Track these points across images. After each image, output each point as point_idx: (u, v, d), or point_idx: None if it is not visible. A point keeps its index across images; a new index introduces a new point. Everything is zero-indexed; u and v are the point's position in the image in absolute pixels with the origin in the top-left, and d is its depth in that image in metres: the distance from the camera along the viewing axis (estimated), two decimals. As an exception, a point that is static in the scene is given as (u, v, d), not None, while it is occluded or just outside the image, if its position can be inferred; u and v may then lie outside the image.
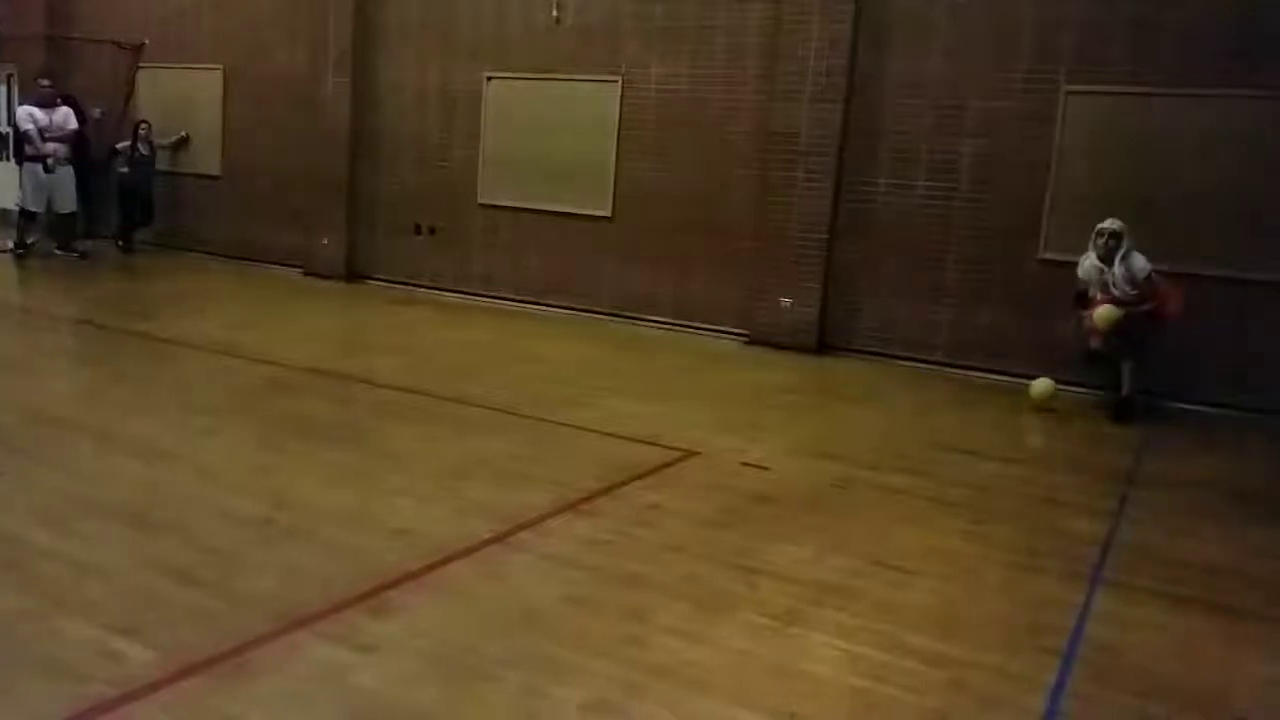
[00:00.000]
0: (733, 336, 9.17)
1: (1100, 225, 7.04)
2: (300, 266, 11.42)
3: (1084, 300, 7.17)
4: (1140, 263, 6.91)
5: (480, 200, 10.54)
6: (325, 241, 11.21)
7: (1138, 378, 7.05)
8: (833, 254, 8.78)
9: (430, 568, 3.46)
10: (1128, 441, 6.37)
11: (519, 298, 10.31)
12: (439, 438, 5.19)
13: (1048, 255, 7.97)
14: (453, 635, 2.99)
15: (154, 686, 2.58)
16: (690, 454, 5.18)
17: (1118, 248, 6.93)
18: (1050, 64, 7.90)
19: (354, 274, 11.25)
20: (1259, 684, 3.11)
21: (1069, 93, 7.88)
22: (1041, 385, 7.04)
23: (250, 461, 4.56)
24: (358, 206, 11.25)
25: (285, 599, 3.14)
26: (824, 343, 8.84)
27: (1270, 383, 7.25)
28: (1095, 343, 7.18)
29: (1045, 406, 6.95)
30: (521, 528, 3.89)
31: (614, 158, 9.74)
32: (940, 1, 8.26)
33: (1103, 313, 6.92)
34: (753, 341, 8.99)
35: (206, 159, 12.35)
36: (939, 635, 3.25)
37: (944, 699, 2.84)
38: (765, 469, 5.03)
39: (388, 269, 11.19)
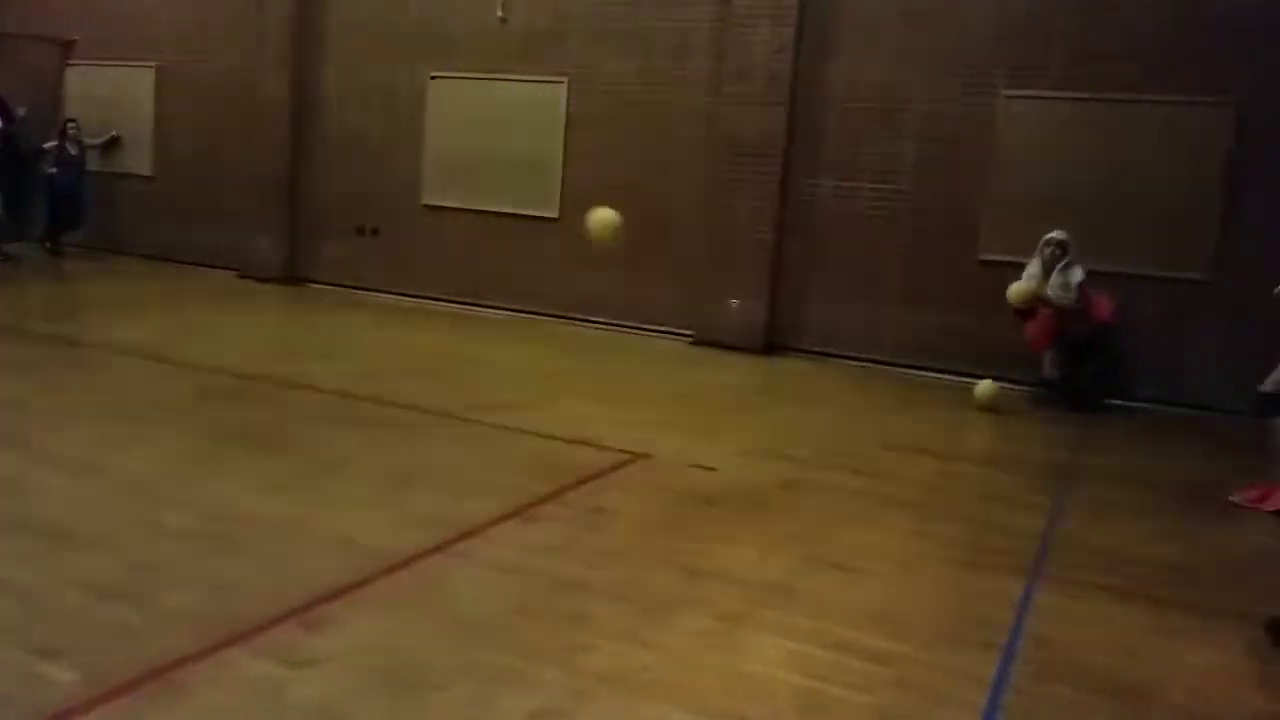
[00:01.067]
0: (680, 337, 9.17)
1: (1048, 235, 7.28)
2: (237, 269, 11.17)
3: (1023, 314, 7.37)
4: (1078, 274, 7.15)
5: (424, 201, 10.41)
6: (263, 244, 10.98)
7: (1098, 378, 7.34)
8: (779, 255, 8.83)
9: (370, 578, 3.38)
10: (1066, 438, 6.50)
11: (464, 300, 10.20)
12: (380, 443, 5.10)
13: (987, 256, 8.10)
14: (394, 647, 2.93)
15: (80, 709, 2.47)
16: (637, 456, 5.15)
17: (1062, 256, 7.19)
18: (990, 70, 8.04)
19: (293, 277, 11.03)
20: (1191, 673, 3.17)
21: (1008, 97, 8.02)
22: (985, 387, 7.15)
23: (181, 471, 4.42)
24: (297, 207, 11.03)
25: (217, 614, 3.04)
26: (771, 343, 8.89)
27: (1200, 379, 7.46)
28: (1050, 371, 7.40)
29: (989, 407, 7.05)
30: (465, 535, 3.83)
31: (561, 158, 9.69)
32: (884, 7, 8.36)
33: (1015, 288, 7.15)
34: (700, 342, 9.00)
35: (138, 159, 12.03)
36: (884, 633, 3.26)
37: (888, 697, 2.85)
38: (712, 470, 5.02)
39: (328, 271, 11.00)
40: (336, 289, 10.77)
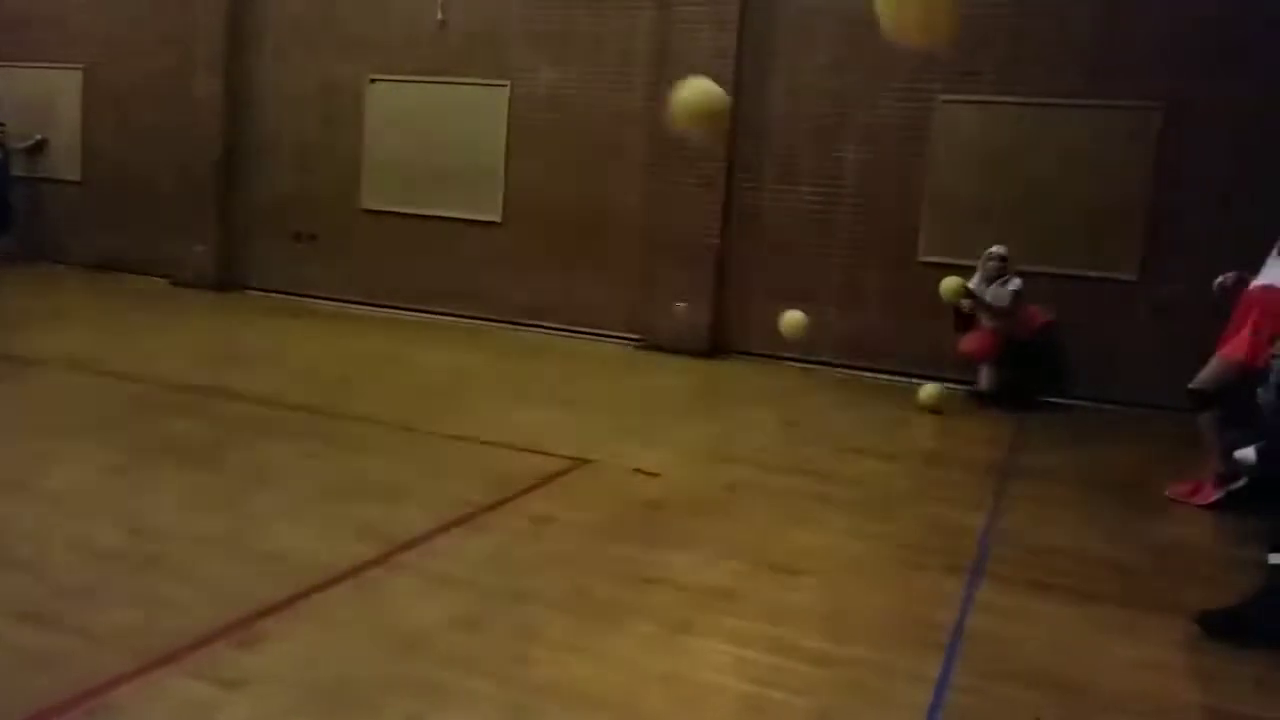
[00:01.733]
0: (625, 341, 9.16)
1: (989, 250, 7.46)
2: (169, 276, 10.89)
3: (962, 321, 7.52)
4: (1015, 283, 7.33)
5: (364, 206, 10.26)
6: (197, 250, 10.72)
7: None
8: (723, 258, 8.87)
9: (305, 593, 3.30)
10: (1004, 437, 6.62)
11: (405, 306, 10.07)
12: (316, 455, 4.99)
13: (927, 258, 8.23)
14: (330, 664, 2.86)
15: (-4, 738, 2.37)
16: (581, 462, 5.12)
17: (1003, 270, 7.35)
18: (926, 75, 8.16)
19: (228, 284, 10.78)
20: (1125, 667, 3.23)
21: (944, 102, 8.15)
22: (929, 390, 7.23)
23: (108, 487, 4.28)
24: (232, 213, 10.80)
25: (145, 634, 2.94)
26: (716, 346, 8.92)
27: (1129, 377, 7.65)
28: (985, 384, 7.55)
29: (934, 409, 7.14)
30: (404, 547, 3.76)
31: (503, 162, 9.62)
32: (823, 14, 8.45)
33: (947, 284, 7.30)
34: (645, 346, 8.99)
35: (66, 164, 11.66)
36: (827, 635, 3.27)
37: (832, 699, 2.86)
38: (657, 475, 5.00)
39: (265, 278, 10.78)
40: (273, 296, 10.56)
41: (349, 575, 3.48)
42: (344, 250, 10.41)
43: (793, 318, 7.05)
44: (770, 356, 8.73)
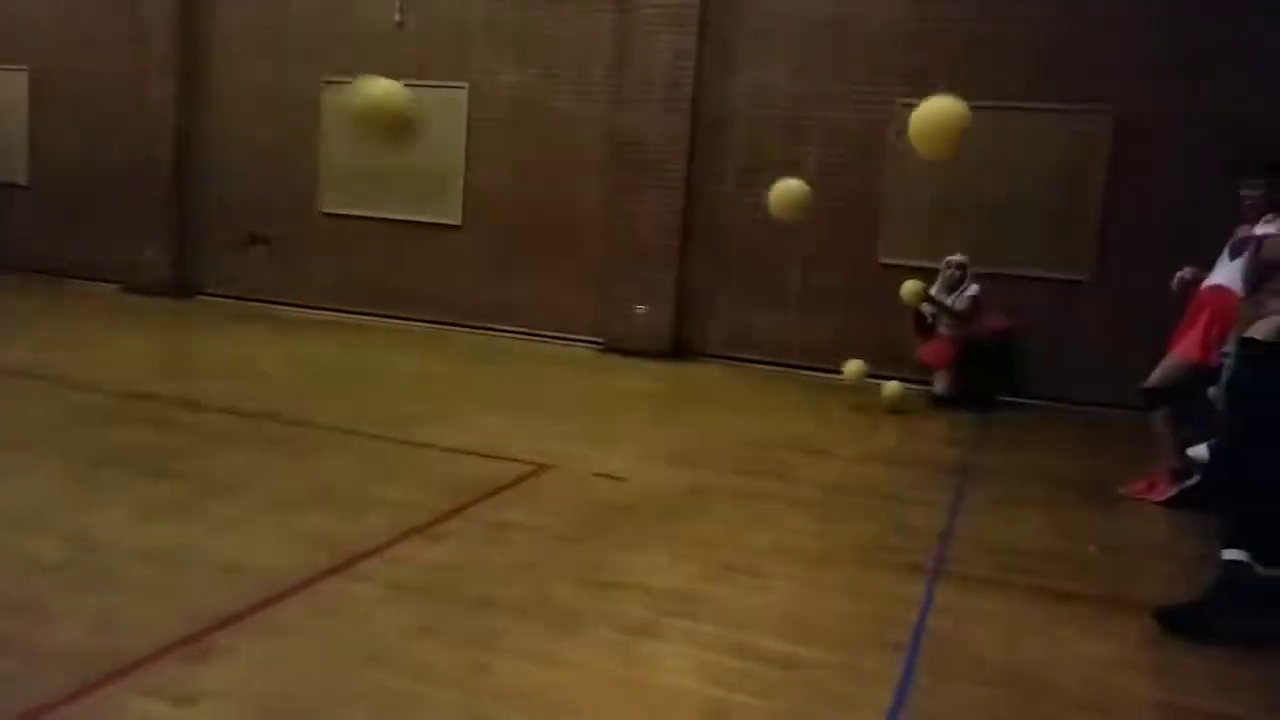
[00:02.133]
0: (588, 345, 9.13)
1: (949, 258, 7.55)
2: (121, 283, 10.67)
3: (923, 326, 7.59)
4: (972, 290, 7.43)
5: (322, 209, 10.14)
6: (149, 255, 10.52)
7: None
8: (685, 260, 8.87)
9: (262, 605, 3.23)
10: (964, 437, 6.68)
11: (365, 310, 9.96)
12: (274, 463, 4.90)
13: (887, 260, 8.29)
14: (287, 677, 2.80)
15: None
16: (544, 467, 5.08)
17: (963, 278, 7.45)
18: (886, 78, 8.23)
19: (183, 289, 10.60)
20: (1085, 664, 3.26)
21: (903, 105, 8.21)
22: (892, 388, 7.28)
23: (57, 499, 4.16)
24: (187, 217, 10.62)
25: (95, 651, 2.85)
26: (679, 348, 8.91)
27: (1085, 376, 7.76)
28: (941, 389, 7.63)
29: (897, 408, 7.19)
30: (364, 556, 3.70)
31: (463, 165, 9.55)
32: (782, 17, 8.49)
33: (907, 287, 7.40)
34: (608, 349, 8.97)
35: (12, 167, 11.39)
36: (790, 637, 3.27)
37: (794, 702, 2.85)
38: (620, 479, 4.98)
39: (221, 283, 10.61)
40: (229, 301, 10.39)
41: (306, 585, 3.41)
42: (302, 254, 10.27)
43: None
44: (732, 359, 8.74)
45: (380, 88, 4.18)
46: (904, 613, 3.55)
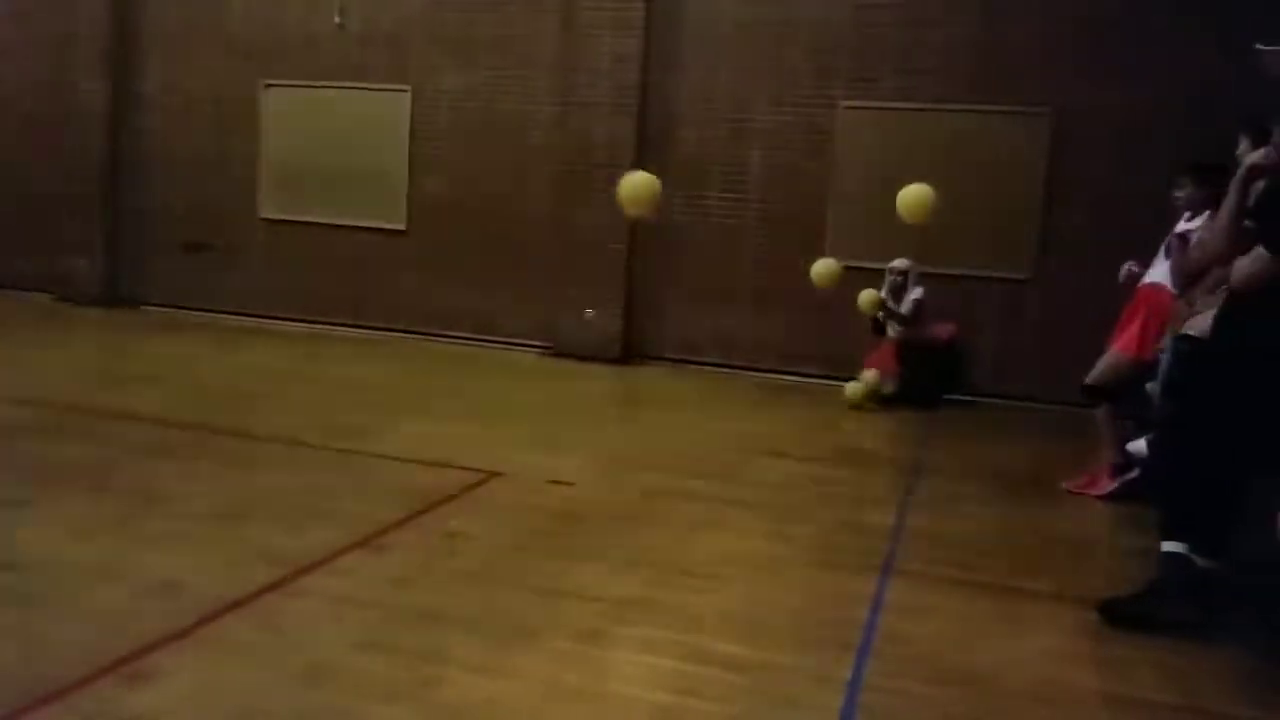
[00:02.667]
0: (537, 350, 9.07)
1: (891, 264, 7.62)
2: (53, 292, 10.35)
3: (879, 327, 7.68)
4: (916, 293, 7.54)
5: (262, 215, 9.94)
6: (82, 264, 10.22)
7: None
8: (634, 263, 8.86)
9: (200, 623, 3.13)
10: (912, 434, 6.76)
11: (307, 318, 9.77)
12: (212, 476, 4.77)
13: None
14: (229, 696, 2.71)
15: None
16: (493, 475, 5.01)
17: (905, 284, 7.54)
18: (828, 81, 8.30)
19: (118, 299, 10.31)
20: (1032, 658, 3.30)
21: (846, 108, 8.30)
22: (854, 388, 7.35)
23: (-14, 517, 4.01)
24: (120, 224, 10.34)
25: (23, 675, 2.74)
26: (629, 352, 8.89)
27: (1028, 373, 7.90)
28: (886, 387, 7.71)
29: (859, 406, 7.23)
30: (307, 570, 3.61)
31: (407, 169, 9.44)
32: (725, 20, 8.52)
33: (864, 296, 7.48)
34: (557, 354, 8.92)
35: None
36: (742, 640, 3.26)
37: (746, 705, 2.84)
38: (570, 485, 4.94)
39: (158, 292, 10.34)
40: (168, 310, 10.14)
41: (248, 601, 3.32)
42: (242, 261, 10.06)
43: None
44: (682, 361, 8.75)
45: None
46: (856, 612, 3.56)
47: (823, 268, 7.18)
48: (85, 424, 5.63)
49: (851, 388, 7.35)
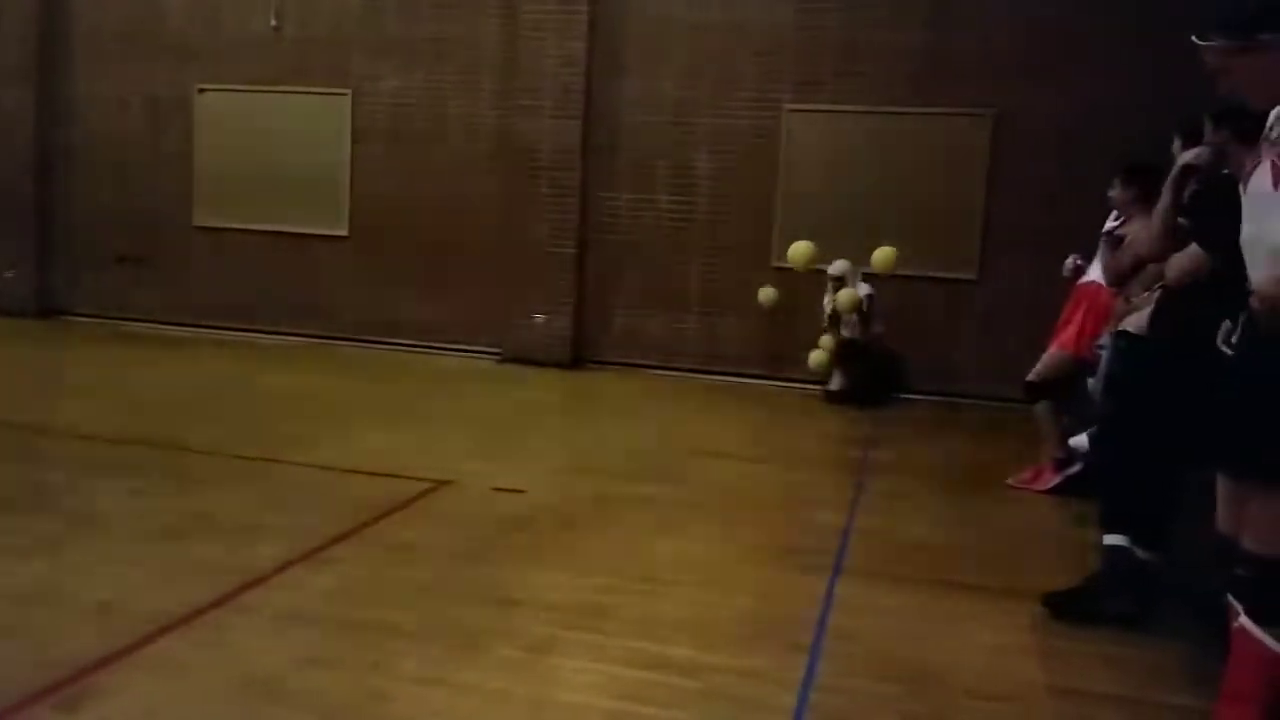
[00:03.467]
0: (486, 356, 8.99)
1: (829, 270, 7.68)
2: (-21, 306, 10.01)
3: (835, 325, 7.76)
4: (864, 289, 7.61)
5: (197, 223, 9.71)
6: (8, 275, 9.88)
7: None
8: (582, 268, 8.82)
9: (139, 643, 3.03)
10: (862, 434, 6.82)
11: (248, 327, 9.56)
12: (150, 492, 4.63)
13: (781, 264, 8.40)
14: (168, 717, 2.63)
15: None
16: (441, 484, 4.95)
17: (842, 288, 7.63)
18: (773, 84, 8.35)
19: (48, 310, 10.00)
20: (981, 652, 3.34)
21: (790, 111, 8.36)
22: (817, 356, 7.59)
23: (-92, 540, 3.85)
24: (50, 234, 10.03)
25: (-51, 705, 2.63)
26: (579, 357, 8.85)
27: (972, 371, 8.03)
28: (833, 385, 7.80)
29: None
30: (250, 586, 3.52)
31: (348, 174, 9.29)
32: (669, 23, 8.52)
33: (844, 296, 7.57)
34: (506, 360, 8.85)
35: None
36: (694, 644, 3.25)
37: (698, 709, 2.83)
38: (520, 492, 4.89)
39: (91, 303, 10.05)
40: (100, 322, 9.85)
41: (189, 619, 3.23)
42: (178, 270, 9.82)
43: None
44: (633, 365, 8.74)
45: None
46: (807, 612, 3.57)
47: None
48: (16, 440, 5.44)
49: (815, 356, 7.46)
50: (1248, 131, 3.38)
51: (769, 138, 8.40)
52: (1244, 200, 2.51)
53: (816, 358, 7.58)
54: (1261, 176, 2.39)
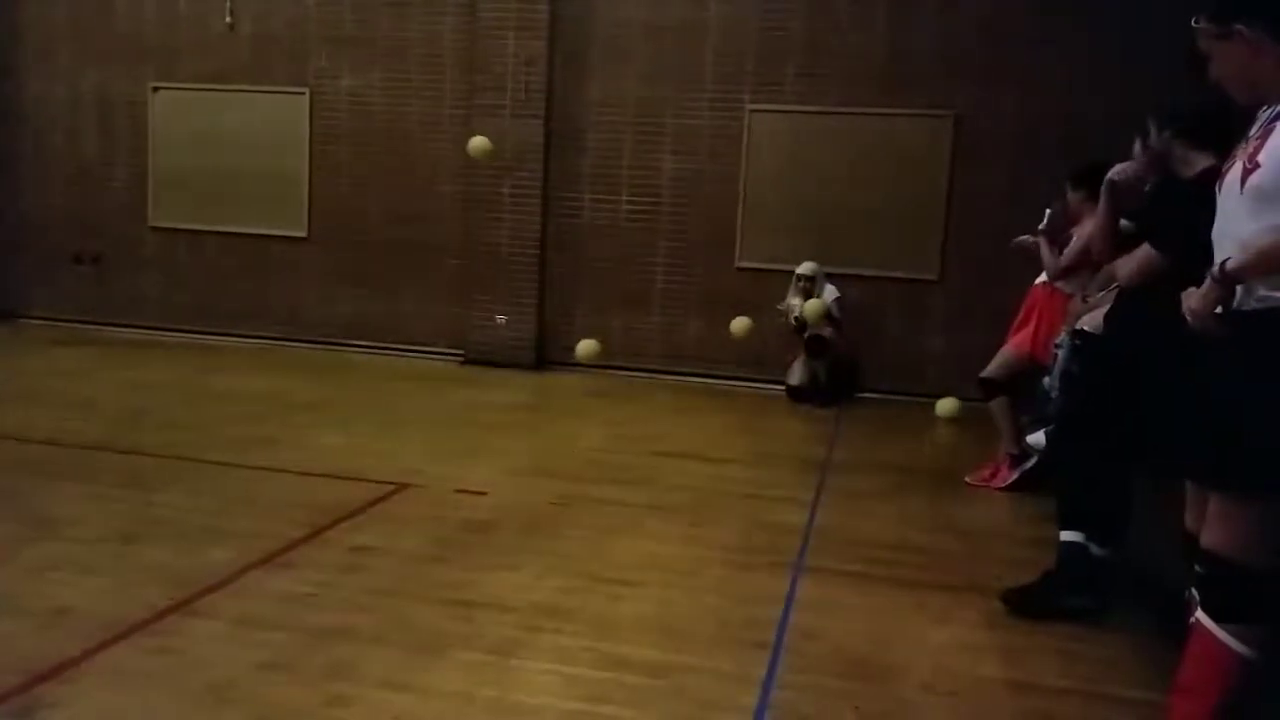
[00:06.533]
0: (448, 357, 8.93)
1: (798, 270, 7.73)
2: (-74, 309, 9.78)
3: (802, 328, 7.81)
4: (832, 292, 7.67)
5: (153, 223, 9.56)
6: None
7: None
8: (545, 269, 8.80)
9: (95, 650, 2.99)
10: (823, 433, 6.87)
11: (205, 329, 9.43)
12: (106, 496, 4.55)
13: (744, 264, 8.45)
14: (121, 727, 2.59)
15: None
16: (403, 486, 4.92)
17: (812, 290, 7.69)
18: (734, 85, 8.39)
19: (1, 313, 9.78)
20: (938, 649, 3.38)
21: (752, 111, 8.40)
22: (948, 404, 7.40)
23: None
24: (1, 234, 9.81)
25: (-107, 717, 2.57)
26: (542, 358, 8.83)
27: (932, 371, 8.12)
28: (794, 379, 7.85)
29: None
30: (207, 591, 3.47)
31: (307, 174, 9.19)
32: (630, 23, 8.53)
33: (810, 307, 7.60)
34: (469, 361, 8.81)
35: None
36: (657, 645, 3.26)
37: (661, 709, 2.84)
38: (483, 494, 4.88)
39: (43, 305, 9.85)
40: (54, 324, 9.66)
41: (145, 625, 3.18)
42: (133, 272, 9.65)
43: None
44: (596, 367, 8.72)
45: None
46: (769, 611, 3.60)
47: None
48: (-37, 446, 5.32)
49: (944, 405, 7.43)
50: (1193, 132, 3.48)
51: (731, 138, 8.44)
52: (1218, 198, 2.52)
53: (813, 307, 7.59)
54: (1233, 177, 2.42)
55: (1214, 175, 3.41)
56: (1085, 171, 4.89)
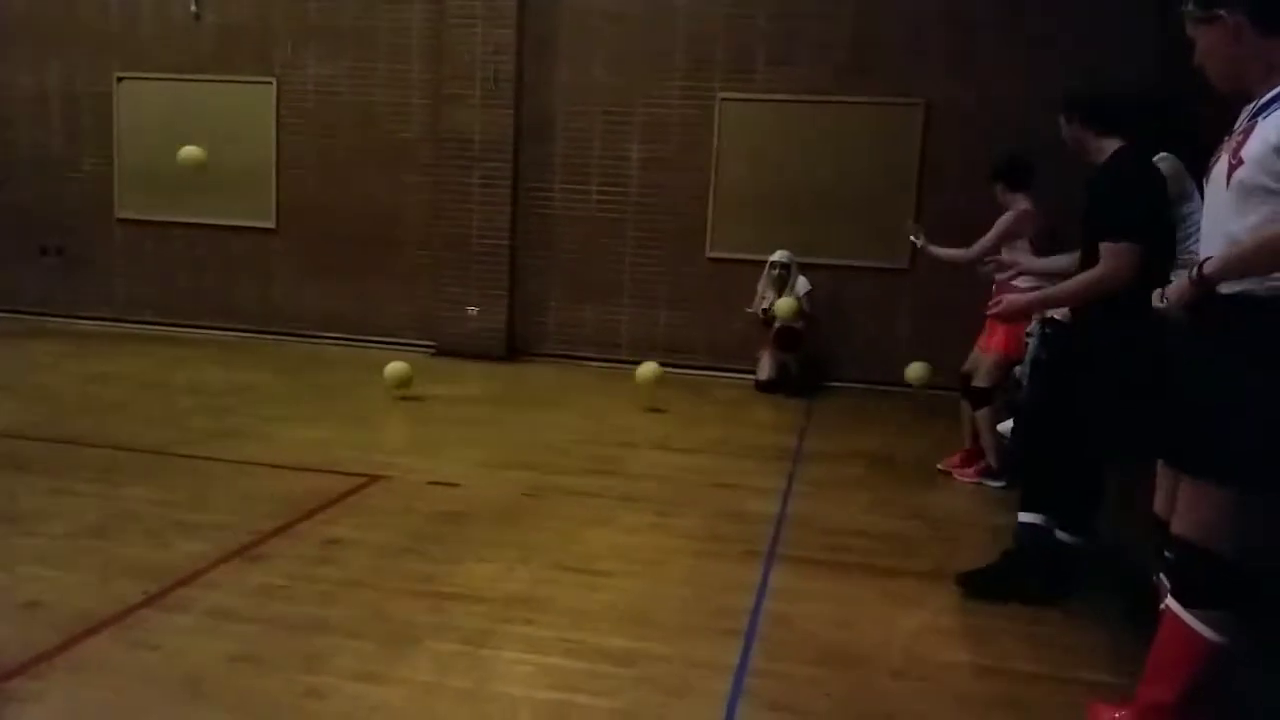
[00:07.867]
0: (419, 349, 8.90)
1: (772, 258, 7.77)
2: (-113, 302, 9.60)
3: (771, 321, 7.85)
4: (804, 285, 7.73)
5: (119, 215, 9.44)
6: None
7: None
8: (516, 259, 8.79)
9: (66, 644, 2.97)
10: (793, 422, 6.93)
11: (172, 322, 9.33)
12: (74, 491, 4.51)
13: (714, 254, 8.48)
14: (97, 718, 2.59)
15: None
16: (374, 478, 4.91)
17: (788, 277, 7.71)
18: (705, 73, 8.40)
19: (-38, 306, 9.64)
20: (907, 635, 3.43)
21: (722, 100, 8.42)
22: (917, 369, 7.05)
23: None
24: (-39, 227, 9.65)
25: None
26: (513, 349, 8.83)
27: (898, 359, 8.16)
28: (763, 374, 7.90)
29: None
30: (179, 584, 3.46)
31: (274, 165, 9.10)
32: (599, 13, 8.51)
33: (783, 305, 7.64)
34: (440, 353, 8.78)
35: None
36: (629, 634, 3.29)
37: (634, 698, 2.87)
38: (454, 486, 4.88)
39: (10, 298, 9.70)
40: (18, 317, 9.52)
41: (116, 620, 3.17)
42: (99, 264, 9.53)
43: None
44: (567, 357, 8.74)
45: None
46: (741, 600, 3.64)
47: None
48: (-74, 441, 5.24)
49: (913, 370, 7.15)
50: (1095, 118, 3.60)
51: (701, 126, 8.46)
52: (1205, 189, 2.56)
53: (785, 305, 7.61)
54: (1219, 172, 2.46)
55: (1128, 156, 3.50)
56: (1004, 164, 5.38)
